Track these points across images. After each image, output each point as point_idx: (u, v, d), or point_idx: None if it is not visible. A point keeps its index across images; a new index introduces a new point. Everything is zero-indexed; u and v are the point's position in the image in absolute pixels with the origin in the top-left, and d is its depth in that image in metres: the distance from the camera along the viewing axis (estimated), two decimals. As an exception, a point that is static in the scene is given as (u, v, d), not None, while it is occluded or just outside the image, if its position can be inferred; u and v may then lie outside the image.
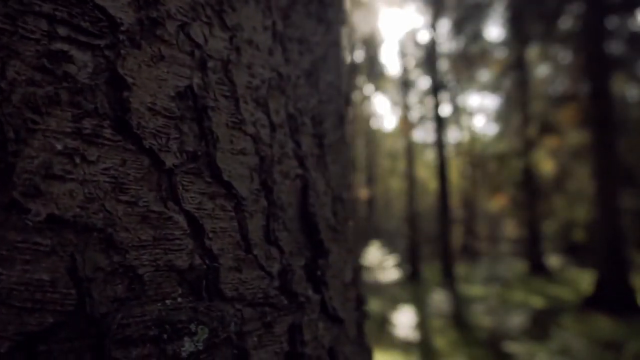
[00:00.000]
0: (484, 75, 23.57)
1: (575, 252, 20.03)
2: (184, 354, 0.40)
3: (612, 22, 13.85)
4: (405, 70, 20.55)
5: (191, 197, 0.44)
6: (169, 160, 0.43)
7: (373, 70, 25.78)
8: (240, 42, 0.54)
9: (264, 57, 0.58)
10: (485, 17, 19.22)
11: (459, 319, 10.55)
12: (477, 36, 19.72)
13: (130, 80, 0.40)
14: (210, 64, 0.49)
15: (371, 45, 24.38)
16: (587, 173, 16.34)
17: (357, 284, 0.93)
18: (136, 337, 0.37)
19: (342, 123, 0.90)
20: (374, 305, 11.70)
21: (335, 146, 0.84)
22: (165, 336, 0.39)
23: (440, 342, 9.14)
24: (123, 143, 0.40)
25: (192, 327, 0.41)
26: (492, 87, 23.21)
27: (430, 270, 18.88)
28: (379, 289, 11.47)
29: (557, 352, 6.89)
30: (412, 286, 15.43)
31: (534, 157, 18.56)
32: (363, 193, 23.77)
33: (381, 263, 11.36)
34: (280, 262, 0.54)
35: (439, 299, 11.44)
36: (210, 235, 0.46)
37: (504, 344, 7.61)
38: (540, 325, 9.16)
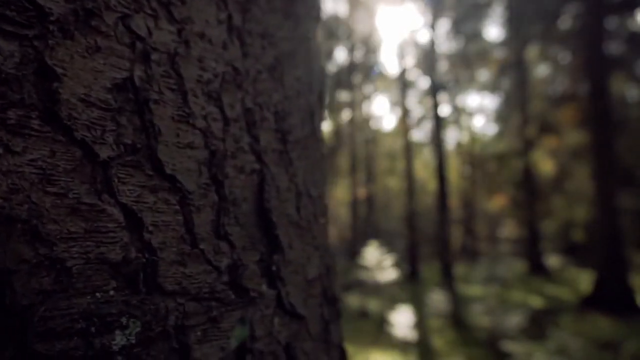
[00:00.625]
0: (484, 75, 23.58)
1: (574, 252, 20.02)
2: (115, 348, 0.39)
3: (611, 22, 13.84)
4: (404, 70, 20.53)
5: (129, 190, 0.44)
6: (104, 153, 0.42)
7: (372, 70, 25.78)
8: (190, 35, 0.53)
9: (217, 51, 0.58)
10: (484, 17, 19.21)
11: (458, 319, 10.54)
12: (476, 36, 19.72)
13: (60, 71, 0.40)
14: (154, 56, 0.48)
15: (370, 45, 24.38)
16: (586, 173, 16.33)
17: (329, 280, 0.92)
18: (61, 330, 0.37)
19: (312, 119, 0.90)
20: (372, 304, 11.69)
21: (304, 142, 0.83)
22: (93, 329, 0.38)
23: (439, 341, 9.13)
24: (52, 134, 0.39)
25: (123, 320, 0.40)
26: (492, 87, 23.20)
27: (430, 270, 18.86)
28: (378, 288, 11.45)
29: (555, 352, 6.88)
30: (411, 286, 15.42)
31: (533, 157, 18.55)
32: (361, 192, 23.76)
33: (380, 263, 11.33)
34: (230, 257, 0.54)
35: (437, 298, 11.42)
36: (150, 228, 0.45)
37: (502, 344, 7.61)
38: (539, 325, 9.16)
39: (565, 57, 18.32)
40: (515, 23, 17.52)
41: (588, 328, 9.30)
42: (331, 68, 24.76)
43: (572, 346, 7.05)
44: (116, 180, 0.43)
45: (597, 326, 9.51)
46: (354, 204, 23.13)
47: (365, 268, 11.49)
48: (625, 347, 7.59)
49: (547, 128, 18.18)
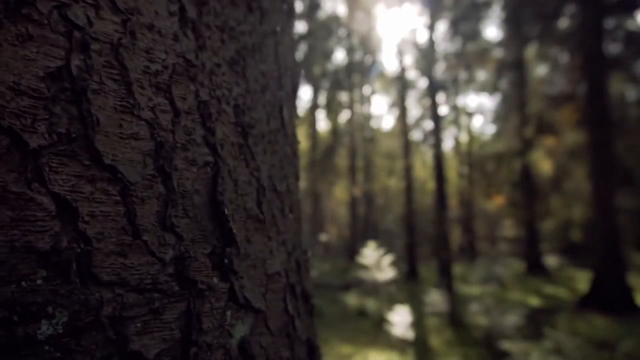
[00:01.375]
0: (482, 75, 23.59)
1: (572, 252, 20.04)
2: (40, 337, 0.39)
3: (609, 22, 13.84)
4: (403, 70, 20.52)
5: (62, 180, 0.43)
6: (34, 141, 0.42)
7: (371, 70, 25.78)
8: (136, 26, 0.53)
9: (168, 43, 0.57)
10: (482, 17, 19.22)
11: (456, 318, 10.54)
12: (474, 36, 19.72)
13: (-15, 58, 0.39)
14: (94, 46, 0.48)
15: (369, 45, 24.38)
16: (584, 173, 16.33)
17: (298, 276, 0.92)
18: (-19, 319, 0.37)
19: (281, 114, 0.90)
20: (371, 304, 11.69)
21: (270, 136, 0.83)
22: (16, 318, 0.38)
23: (436, 341, 9.14)
24: (-24, 122, 0.39)
25: (49, 309, 0.40)
26: (491, 88, 23.21)
27: (428, 269, 18.87)
28: (376, 288, 11.45)
29: (552, 352, 6.88)
30: (409, 285, 15.43)
31: (531, 157, 18.55)
32: (357, 192, 23.76)
33: (378, 262, 11.33)
34: (177, 249, 0.54)
35: (435, 298, 11.41)
36: (87, 218, 0.45)
37: (500, 343, 7.61)
38: (536, 325, 9.17)
39: (563, 57, 18.32)
40: (513, 23, 17.51)
41: (585, 327, 9.30)
42: (330, 68, 24.75)
43: (569, 345, 7.05)
44: (47, 169, 0.42)
45: (594, 326, 9.51)
46: (353, 203, 23.13)
47: (364, 267, 11.50)
48: (621, 346, 7.59)
49: (545, 128, 18.18)
